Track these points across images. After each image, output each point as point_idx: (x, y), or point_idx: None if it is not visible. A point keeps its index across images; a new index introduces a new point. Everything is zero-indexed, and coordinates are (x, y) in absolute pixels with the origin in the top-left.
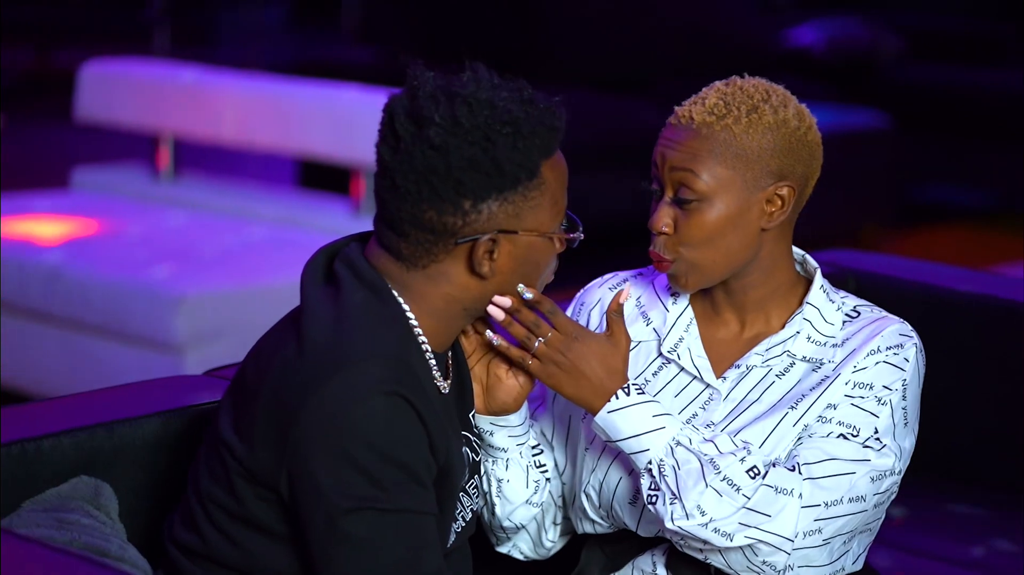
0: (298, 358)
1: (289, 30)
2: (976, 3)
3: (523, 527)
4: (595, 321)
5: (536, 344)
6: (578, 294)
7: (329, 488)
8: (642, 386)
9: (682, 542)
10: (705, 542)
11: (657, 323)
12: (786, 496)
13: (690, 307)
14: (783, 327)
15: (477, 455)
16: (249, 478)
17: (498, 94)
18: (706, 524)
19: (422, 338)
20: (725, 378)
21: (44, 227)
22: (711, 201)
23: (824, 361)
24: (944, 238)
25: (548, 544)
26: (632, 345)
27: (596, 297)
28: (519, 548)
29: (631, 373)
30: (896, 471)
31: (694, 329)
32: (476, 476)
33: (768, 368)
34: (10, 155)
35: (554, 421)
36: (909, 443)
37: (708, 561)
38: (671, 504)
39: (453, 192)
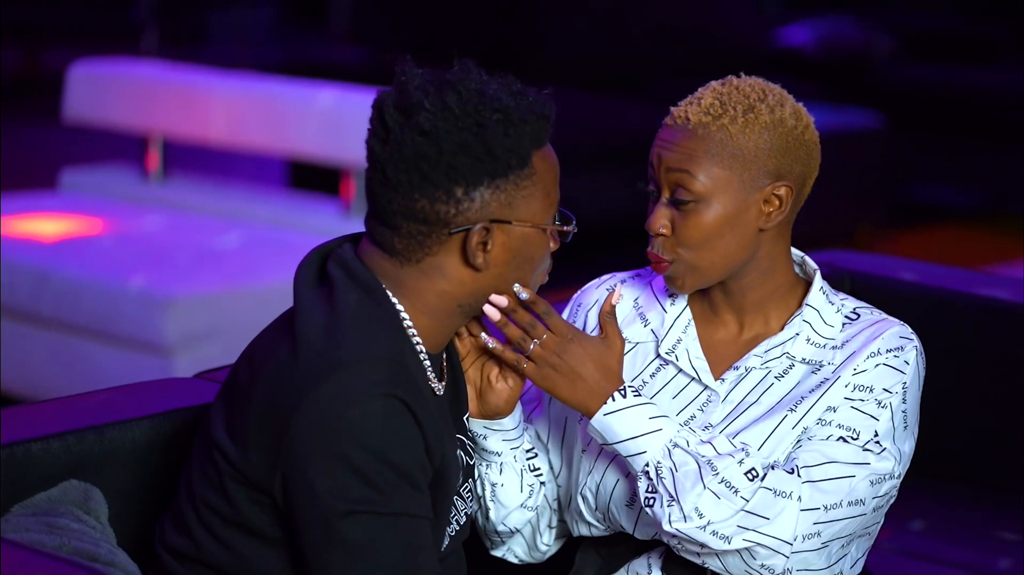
0: (292, 360)
1: (278, 30)
2: (968, 2)
3: (518, 531)
4: (592, 322)
5: (531, 346)
6: (575, 295)
7: (324, 491)
8: (639, 388)
9: (679, 546)
10: (703, 545)
11: (655, 324)
12: (785, 499)
13: (688, 308)
14: (782, 329)
15: (471, 458)
16: (242, 481)
17: (488, 85)
18: (704, 527)
19: (416, 339)
20: (723, 380)
21: (33, 228)
22: (708, 202)
23: (823, 363)
24: (937, 238)
25: (543, 548)
26: (630, 346)
27: (593, 298)
28: (514, 552)
29: (629, 374)
30: (896, 475)
31: (692, 330)
32: (470, 480)
33: (767, 370)
34: None
35: (550, 423)
36: (909, 446)
37: (705, 565)
38: (669, 506)
39: (445, 177)
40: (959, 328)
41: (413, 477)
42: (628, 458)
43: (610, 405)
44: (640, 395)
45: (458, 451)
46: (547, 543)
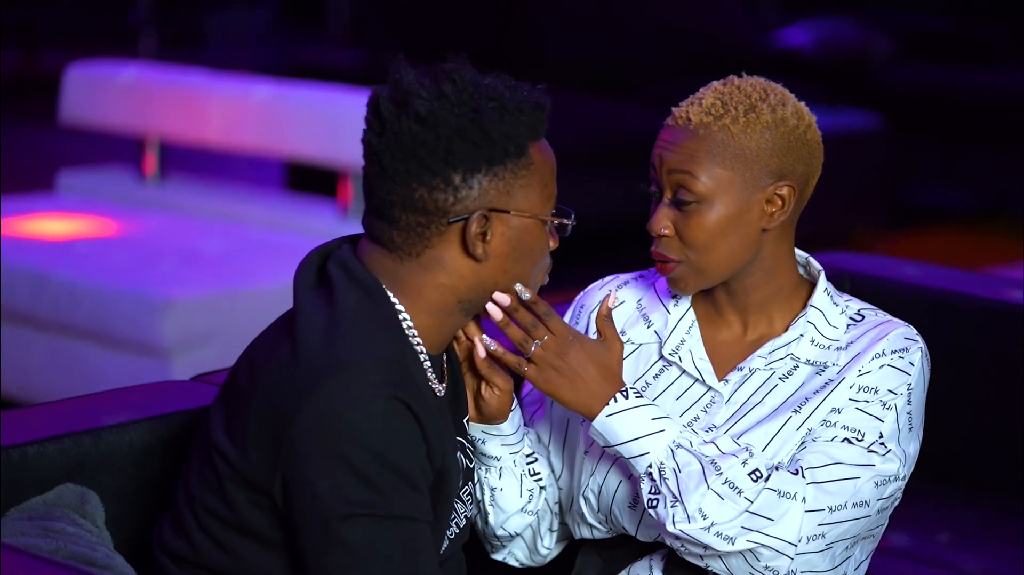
0: (292, 361)
1: (276, 33)
2: (967, 3)
3: (518, 535)
4: (595, 325)
5: (532, 348)
6: (578, 296)
7: (325, 493)
8: (641, 390)
9: (682, 547)
10: (707, 546)
11: (658, 325)
12: (789, 500)
13: (692, 309)
14: (786, 329)
15: (471, 461)
16: (242, 483)
17: (482, 77)
18: (708, 527)
19: (417, 339)
20: (727, 381)
21: (31, 230)
22: (710, 202)
23: (828, 364)
24: (936, 239)
25: (544, 551)
26: (633, 347)
27: (596, 300)
28: (515, 555)
29: (632, 376)
30: (900, 476)
31: (696, 331)
32: (470, 483)
33: (771, 371)
34: None
35: (551, 426)
36: (914, 448)
37: (708, 567)
38: (672, 507)
39: (442, 163)
40: (959, 329)
41: (414, 479)
42: (631, 459)
43: (612, 406)
44: (642, 396)
45: (458, 454)
46: (548, 546)
